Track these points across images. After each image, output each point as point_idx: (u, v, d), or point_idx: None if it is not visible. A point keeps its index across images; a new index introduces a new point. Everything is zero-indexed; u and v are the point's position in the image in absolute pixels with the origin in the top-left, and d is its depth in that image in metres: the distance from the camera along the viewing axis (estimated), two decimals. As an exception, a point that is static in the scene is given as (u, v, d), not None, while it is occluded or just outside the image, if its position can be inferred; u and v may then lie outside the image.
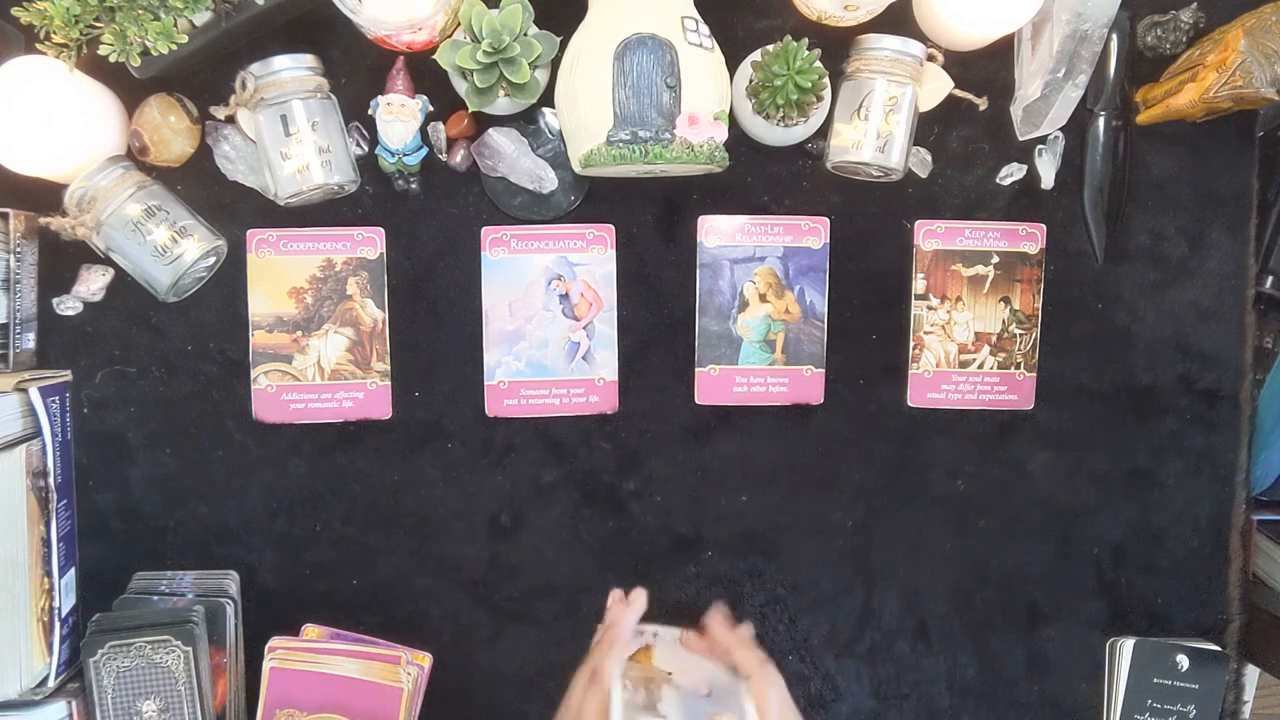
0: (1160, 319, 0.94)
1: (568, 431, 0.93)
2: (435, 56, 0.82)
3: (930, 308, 0.94)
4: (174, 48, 0.77)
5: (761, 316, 0.93)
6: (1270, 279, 0.97)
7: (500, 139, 0.87)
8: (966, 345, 0.94)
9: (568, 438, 0.93)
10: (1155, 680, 0.92)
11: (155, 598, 0.87)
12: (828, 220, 0.92)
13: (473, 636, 0.93)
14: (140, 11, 0.75)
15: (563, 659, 0.89)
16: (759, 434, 0.94)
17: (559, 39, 0.84)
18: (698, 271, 0.92)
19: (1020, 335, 0.94)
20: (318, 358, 0.90)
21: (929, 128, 0.92)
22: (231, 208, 0.89)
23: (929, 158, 0.92)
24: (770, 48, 0.82)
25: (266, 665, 0.86)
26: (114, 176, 0.81)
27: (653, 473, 0.93)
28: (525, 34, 0.81)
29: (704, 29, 0.82)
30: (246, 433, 0.90)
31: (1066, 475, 0.95)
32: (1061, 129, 0.91)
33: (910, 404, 0.94)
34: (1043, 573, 0.95)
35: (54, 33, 0.77)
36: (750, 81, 0.85)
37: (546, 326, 0.92)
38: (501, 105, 0.87)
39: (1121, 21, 0.90)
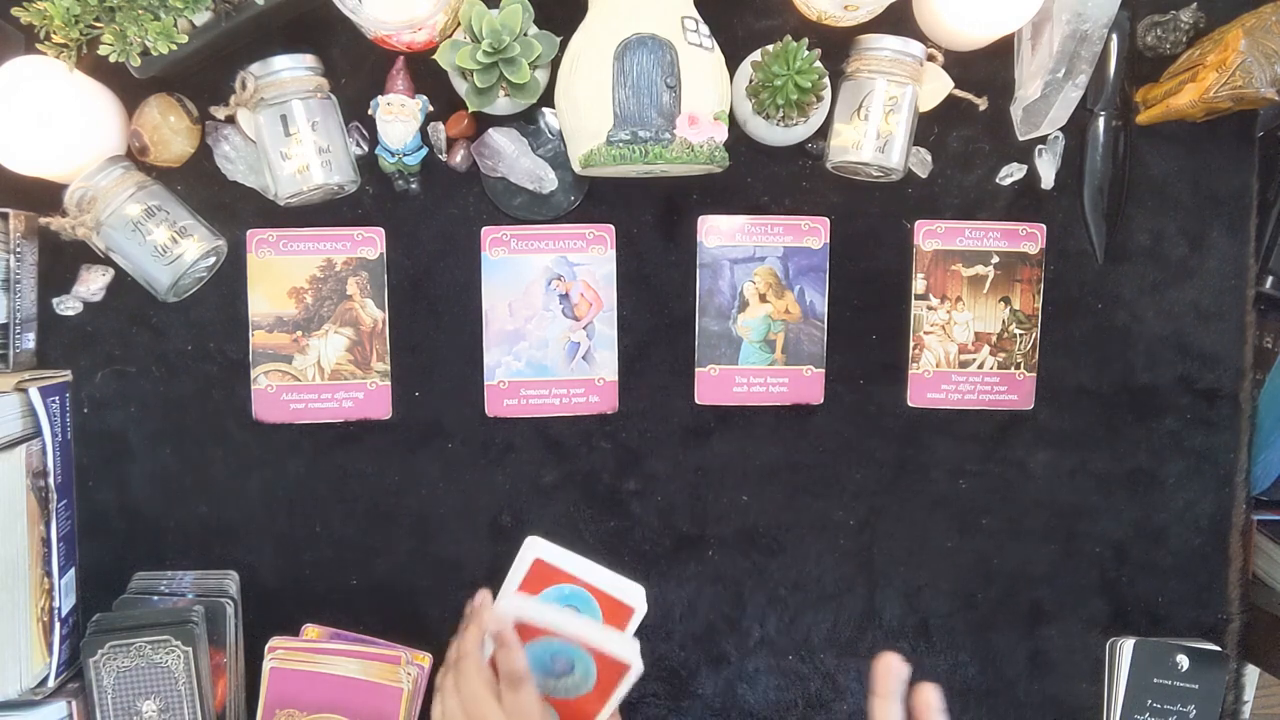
0: (1160, 319, 0.94)
1: (568, 431, 0.93)
2: (435, 56, 0.82)
3: (930, 308, 0.94)
4: (174, 48, 0.77)
5: (761, 316, 0.93)
6: (1270, 279, 0.97)
7: (500, 139, 0.87)
8: (966, 345, 0.94)
9: (568, 438, 0.93)
10: (1155, 680, 0.92)
11: (155, 598, 0.87)
12: (828, 220, 0.92)
13: (473, 636, 0.93)
14: (140, 11, 0.75)
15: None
16: (759, 434, 0.94)
17: (559, 39, 0.84)
18: (698, 271, 0.92)
19: (1020, 335, 0.94)
20: (318, 358, 0.90)
21: (929, 128, 0.92)
22: (231, 208, 0.89)
23: (929, 158, 0.92)
24: (770, 48, 0.82)
25: (266, 665, 0.86)
26: (114, 176, 0.81)
27: (653, 472, 0.93)
28: (525, 34, 0.81)
29: (704, 29, 0.82)
30: (246, 433, 0.90)
31: (1067, 475, 0.95)
32: (1061, 129, 0.91)
33: (910, 404, 0.94)
34: (1044, 572, 0.95)
35: (54, 33, 0.77)
36: (750, 81, 0.85)
37: (546, 326, 0.92)
38: (501, 105, 0.87)
39: (1121, 21, 0.90)
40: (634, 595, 0.90)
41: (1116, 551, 0.95)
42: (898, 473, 0.95)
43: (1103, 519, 0.95)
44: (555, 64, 0.84)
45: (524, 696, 0.71)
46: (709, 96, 0.81)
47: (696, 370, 0.93)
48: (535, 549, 0.90)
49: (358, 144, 0.88)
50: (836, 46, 0.87)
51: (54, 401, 0.85)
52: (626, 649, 0.76)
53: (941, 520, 0.95)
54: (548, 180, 0.89)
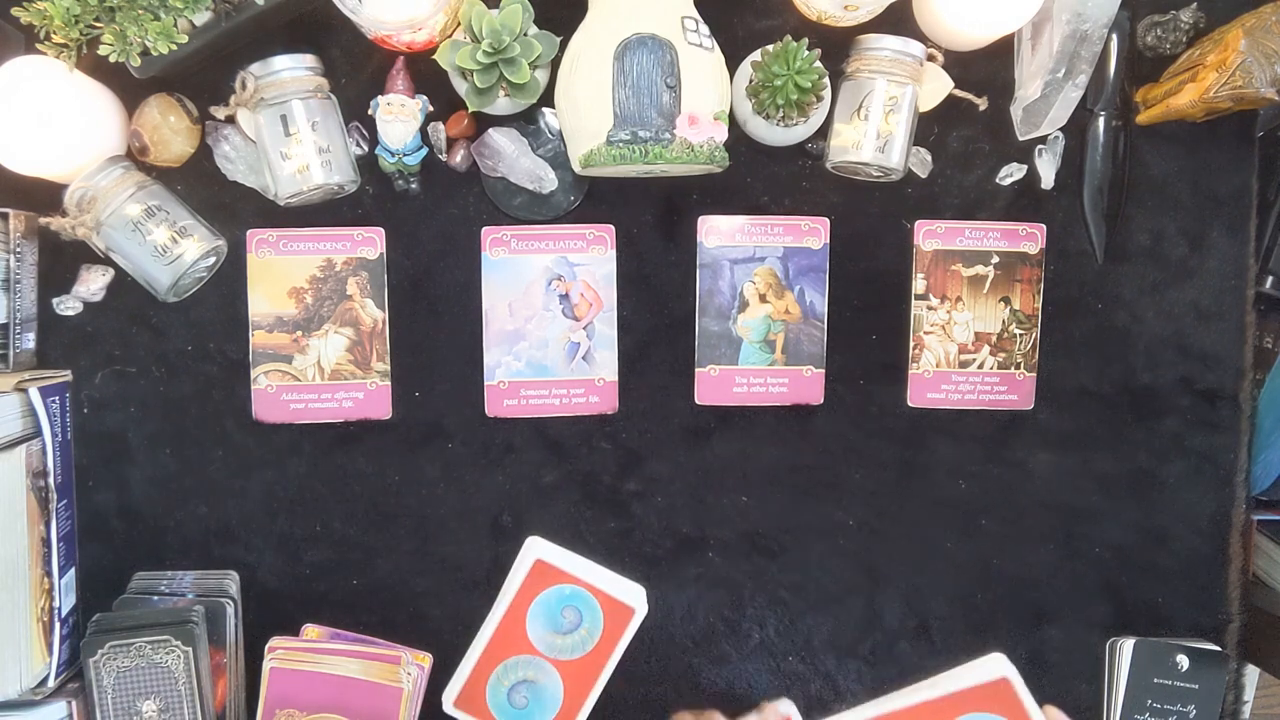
0: (1160, 319, 0.94)
1: (568, 431, 0.93)
2: (435, 56, 0.82)
3: (930, 308, 0.94)
4: (174, 48, 0.77)
5: (761, 316, 0.93)
6: (1270, 279, 0.97)
7: (500, 139, 0.87)
8: (966, 345, 0.94)
9: (568, 438, 0.93)
10: (1155, 680, 0.92)
11: (155, 598, 0.87)
12: (828, 220, 0.92)
13: (473, 637, 0.92)
14: (140, 11, 0.75)
15: (563, 659, 0.89)
16: (759, 434, 0.94)
17: (559, 39, 0.84)
18: (698, 271, 0.92)
19: (1020, 335, 0.94)
20: (318, 358, 0.90)
21: (929, 128, 0.92)
22: (231, 208, 0.89)
23: (929, 158, 0.92)
24: (770, 48, 0.82)
25: (266, 665, 0.86)
26: (114, 176, 0.81)
27: (653, 473, 0.93)
28: (525, 34, 0.81)
29: (704, 29, 0.82)
30: (246, 433, 0.90)
31: (1067, 475, 0.95)
32: (1061, 129, 0.91)
33: (910, 404, 0.94)
34: (1044, 573, 0.95)
35: (54, 33, 0.77)
36: (750, 81, 0.85)
37: (546, 326, 0.92)
38: (501, 105, 0.87)
39: (1121, 21, 0.90)
40: (634, 596, 0.90)
41: (1117, 552, 0.95)
42: (898, 473, 0.95)
43: (1103, 519, 0.95)
44: (555, 64, 0.84)
45: None
46: (709, 96, 0.81)
47: (696, 370, 0.93)
48: (536, 549, 0.90)
49: (358, 144, 0.88)
50: (836, 46, 0.87)
51: (54, 401, 0.85)
52: None
53: (942, 521, 0.95)
54: (548, 180, 0.89)
